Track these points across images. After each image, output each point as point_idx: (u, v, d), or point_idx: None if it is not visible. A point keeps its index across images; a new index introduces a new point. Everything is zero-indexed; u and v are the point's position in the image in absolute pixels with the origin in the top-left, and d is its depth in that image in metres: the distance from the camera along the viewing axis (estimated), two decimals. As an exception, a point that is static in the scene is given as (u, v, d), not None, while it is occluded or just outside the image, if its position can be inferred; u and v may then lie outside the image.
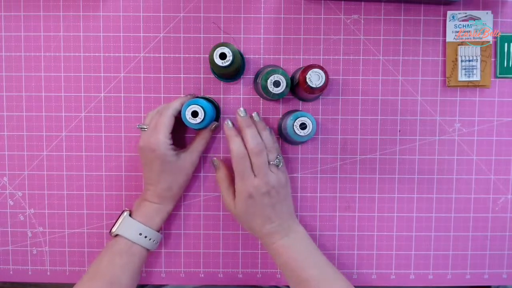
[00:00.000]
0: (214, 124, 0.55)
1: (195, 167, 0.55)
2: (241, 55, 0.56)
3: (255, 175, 0.51)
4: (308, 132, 0.50)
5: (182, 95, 0.56)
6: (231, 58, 0.49)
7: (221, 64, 0.50)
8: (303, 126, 0.50)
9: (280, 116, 0.58)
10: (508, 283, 0.59)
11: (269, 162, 0.51)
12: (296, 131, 0.50)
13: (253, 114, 0.54)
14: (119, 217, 0.54)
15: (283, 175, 0.53)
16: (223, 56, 0.50)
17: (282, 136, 0.57)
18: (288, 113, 0.56)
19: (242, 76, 0.57)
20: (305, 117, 0.50)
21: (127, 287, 0.52)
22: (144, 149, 0.53)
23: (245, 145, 0.51)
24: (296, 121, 0.50)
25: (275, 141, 0.54)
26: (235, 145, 0.51)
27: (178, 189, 0.54)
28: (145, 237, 0.53)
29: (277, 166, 0.52)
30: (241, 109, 0.52)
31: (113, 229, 0.53)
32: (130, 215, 0.54)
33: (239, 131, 0.53)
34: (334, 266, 0.52)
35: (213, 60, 0.50)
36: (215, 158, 0.56)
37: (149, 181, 0.54)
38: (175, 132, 0.54)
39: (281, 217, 0.52)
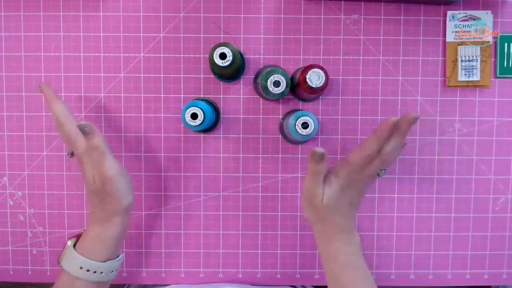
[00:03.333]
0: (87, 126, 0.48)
1: (115, 177, 0.49)
2: (241, 55, 0.56)
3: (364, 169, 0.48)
4: (310, 132, 0.50)
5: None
6: (231, 58, 0.49)
7: (221, 64, 0.50)
8: (305, 125, 0.50)
9: (281, 116, 0.58)
10: (508, 283, 0.59)
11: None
12: (298, 130, 0.50)
13: (411, 117, 0.46)
14: (65, 244, 0.50)
15: (372, 182, 0.51)
16: (223, 56, 0.50)
17: (284, 135, 0.57)
18: (289, 112, 0.56)
19: (242, 76, 0.57)
20: (307, 116, 0.50)
21: None
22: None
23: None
24: (298, 120, 0.50)
25: (397, 157, 0.52)
26: (377, 145, 0.46)
27: (109, 210, 0.49)
28: (87, 270, 0.47)
29: (378, 175, 0.49)
30: (415, 116, 0.46)
31: (59, 259, 0.49)
32: (75, 244, 0.49)
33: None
34: None
35: (213, 60, 0.50)
36: (320, 150, 0.46)
37: (90, 205, 0.51)
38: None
39: (352, 217, 0.50)
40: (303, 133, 0.50)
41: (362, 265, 0.50)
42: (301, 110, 0.55)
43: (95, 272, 0.48)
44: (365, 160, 0.47)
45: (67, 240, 0.49)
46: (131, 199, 0.50)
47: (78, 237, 0.50)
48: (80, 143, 0.49)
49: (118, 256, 0.51)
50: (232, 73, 0.54)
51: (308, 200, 0.49)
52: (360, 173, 0.48)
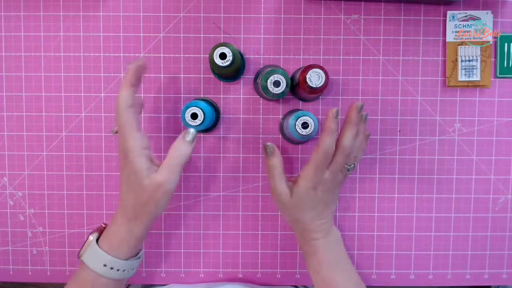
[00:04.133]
0: (191, 132, 0.47)
1: (168, 192, 0.46)
2: (241, 55, 0.56)
3: (327, 168, 0.49)
4: (310, 131, 0.50)
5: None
6: (231, 58, 0.49)
7: (221, 64, 0.50)
8: (305, 125, 0.50)
9: (281, 116, 0.58)
10: (508, 283, 0.59)
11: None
12: (298, 130, 0.50)
13: (363, 114, 0.50)
14: (87, 238, 0.48)
15: (344, 178, 0.52)
16: (223, 56, 0.50)
17: (284, 135, 0.57)
18: (289, 112, 0.56)
19: (242, 76, 0.57)
20: (307, 116, 0.50)
21: None
22: (119, 156, 0.48)
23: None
24: (298, 120, 0.50)
25: (363, 149, 0.53)
26: (330, 140, 0.47)
27: (154, 208, 0.46)
28: (111, 268, 0.46)
29: (348, 170, 0.51)
30: (360, 104, 0.49)
31: (80, 253, 0.47)
32: (98, 238, 0.48)
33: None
34: None
35: (213, 60, 0.50)
36: (269, 143, 0.52)
37: (121, 197, 0.48)
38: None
39: (328, 216, 0.52)
40: (303, 133, 0.50)
41: (341, 258, 0.52)
42: (302, 109, 0.55)
43: (118, 270, 0.46)
44: (325, 157, 0.48)
45: (89, 235, 0.48)
46: (163, 210, 0.48)
47: (99, 231, 0.48)
48: (132, 142, 0.45)
49: (138, 253, 0.49)
50: (232, 73, 0.54)
51: (276, 199, 0.52)
52: (326, 172, 0.49)
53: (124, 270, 0.47)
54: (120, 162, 0.48)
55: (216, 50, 0.50)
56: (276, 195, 0.52)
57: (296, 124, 0.50)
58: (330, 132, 0.48)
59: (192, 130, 0.47)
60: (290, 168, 0.58)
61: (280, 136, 0.58)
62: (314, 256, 0.51)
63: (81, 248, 0.47)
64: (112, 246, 0.46)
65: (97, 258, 0.46)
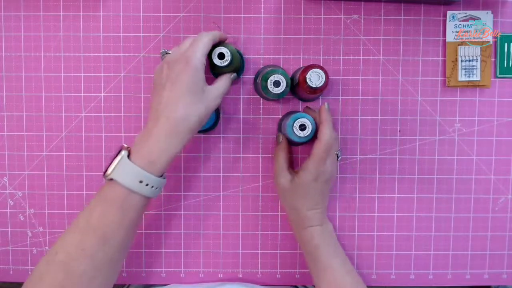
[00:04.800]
0: (233, 74, 0.52)
1: (217, 105, 0.49)
2: (240, 54, 0.56)
3: None
4: (307, 134, 0.50)
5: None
6: (229, 58, 0.50)
7: (219, 64, 0.50)
8: (302, 127, 0.50)
9: (280, 116, 0.58)
10: (508, 283, 0.59)
11: None
12: (296, 132, 0.50)
13: (326, 105, 0.52)
14: (116, 156, 0.45)
15: (337, 168, 0.55)
16: (221, 56, 0.50)
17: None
18: (288, 113, 0.56)
19: (241, 76, 0.57)
20: (304, 118, 0.50)
21: (123, 243, 0.46)
22: (171, 63, 0.47)
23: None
24: (296, 122, 0.50)
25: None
26: (329, 130, 0.50)
27: (194, 122, 0.46)
28: (147, 185, 0.45)
29: (337, 157, 0.54)
30: (327, 104, 0.52)
31: (108, 171, 0.44)
32: (129, 155, 0.45)
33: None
34: None
35: (212, 60, 0.50)
36: (280, 134, 0.56)
37: (164, 106, 0.46)
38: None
39: (324, 206, 0.54)
40: (300, 135, 0.50)
41: (337, 245, 0.54)
42: (299, 111, 0.55)
43: (153, 187, 0.45)
44: (327, 148, 0.50)
45: (116, 154, 0.45)
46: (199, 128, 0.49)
47: (125, 149, 0.46)
48: (202, 56, 0.47)
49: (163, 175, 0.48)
50: (231, 73, 0.53)
51: (277, 185, 0.54)
52: (326, 163, 0.51)
53: (156, 188, 0.46)
54: (163, 76, 0.47)
55: (214, 50, 0.50)
56: (277, 182, 0.54)
57: (294, 126, 0.50)
58: (327, 123, 0.50)
59: (235, 74, 0.53)
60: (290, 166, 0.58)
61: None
62: (311, 242, 0.53)
63: (107, 168, 0.45)
64: (151, 161, 0.45)
65: (132, 174, 0.44)
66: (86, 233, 0.44)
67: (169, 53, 0.49)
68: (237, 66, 0.53)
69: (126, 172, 0.44)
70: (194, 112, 0.46)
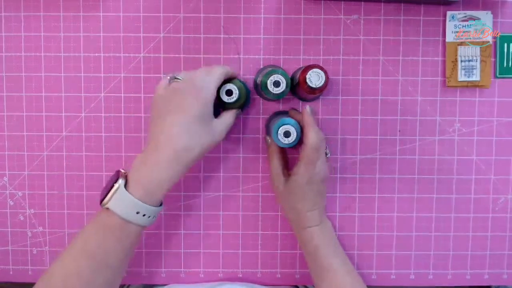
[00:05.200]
0: (238, 110, 0.53)
1: (222, 139, 0.50)
2: (247, 89, 0.54)
3: None
4: (292, 140, 0.51)
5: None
6: (236, 95, 0.51)
7: (226, 101, 0.51)
8: (286, 134, 0.51)
9: (267, 116, 0.58)
10: (508, 283, 0.59)
11: None
12: (280, 139, 0.51)
13: (308, 109, 0.52)
14: (112, 184, 0.44)
15: (330, 166, 0.56)
16: (229, 92, 0.51)
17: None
18: (274, 115, 0.56)
19: (247, 107, 0.57)
20: (289, 124, 0.50)
21: (120, 267, 0.46)
22: (181, 91, 0.46)
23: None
24: (280, 129, 0.51)
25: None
26: (315, 133, 0.49)
27: (198, 155, 0.46)
28: (143, 215, 0.44)
29: (327, 155, 0.54)
30: (308, 108, 0.51)
31: (105, 200, 0.44)
32: (125, 184, 0.45)
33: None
34: None
35: (219, 95, 0.50)
36: (268, 137, 0.55)
37: (168, 136, 0.45)
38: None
39: (322, 205, 0.54)
40: (285, 142, 0.51)
41: (336, 244, 0.54)
42: (284, 117, 0.54)
43: (149, 216, 0.45)
44: (314, 151, 0.50)
45: (112, 182, 0.45)
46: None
47: (123, 176, 0.45)
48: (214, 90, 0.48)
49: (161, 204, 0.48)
50: (238, 107, 0.53)
51: (273, 187, 0.55)
52: (316, 166, 0.51)
53: (153, 217, 0.46)
54: (172, 102, 0.46)
55: (223, 87, 0.50)
56: (273, 185, 0.55)
57: (278, 133, 0.50)
58: (312, 126, 0.50)
59: (240, 110, 0.53)
60: (290, 168, 0.58)
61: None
62: (310, 242, 0.53)
63: (105, 196, 0.44)
64: (148, 192, 0.44)
65: (129, 205, 0.44)
66: (83, 258, 0.45)
67: (178, 79, 0.48)
68: (244, 102, 0.53)
69: (123, 202, 0.44)
70: (199, 144, 0.46)
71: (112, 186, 0.44)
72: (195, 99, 0.46)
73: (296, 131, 0.51)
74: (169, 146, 0.45)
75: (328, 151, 0.54)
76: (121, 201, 0.44)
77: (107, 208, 0.44)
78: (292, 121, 0.51)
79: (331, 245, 0.54)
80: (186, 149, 0.45)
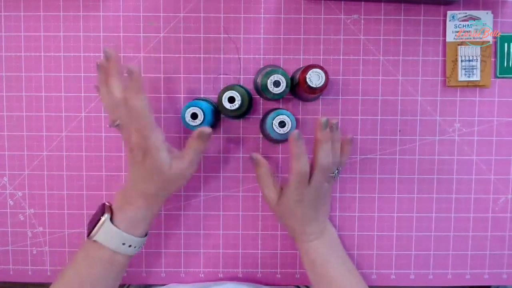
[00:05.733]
0: (207, 131, 0.49)
1: (188, 178, 0.50)
2: (249, 95, 0.54)
3: (309, 183, 0.50)
4: (287, 130, 0.51)
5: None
6: (239, 102, 0.51)
7: (229, 108, 0.51)
8: (282, 124, 0.51)
9: (261, 116, 0.58)
10: (508, 283, 0.59)
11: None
12: (275, 129, 0.51)
13: (334, 123, 0.51)
14: (98, 219, 0.48)
15: (331, 184, 0.54)
16: (231, 99, 0.51)
17: (264, 135, 0.57)
18: (269, 111, 0.56)
19: (249, 114, 0.57)
20: (284, 115, 0.51)
21: None
22: (132, 148, 0.47)
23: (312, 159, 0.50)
24: (275, 119, 0.51)
25: (346, 154, 0.54)
26: (301, 164, 0.49)
27: (170, 193, 0.51)
28: (129, 246, 0.48)
29: (333, 177, 0.53)
30: (324, 120, 0.49)
31: (92, 233, 0.47)
32: (111, 218, 0.48)
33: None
34: None
35: (222, 103, 0.50)
36: (254, 154, 0.54)
37: (139, 183, 0.48)
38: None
39: (320, 219, 0.53)
40: (280, 132, 0.51)
41: (334, 257, 0.53)
42: (280, 108, 0.55)
43: (135, 247, 0.49)
44: (302, 178, 0.49)
45: (99, 216, 0.48)
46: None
47: (107, 210, 0.48)
48: (154, 140, 0.46)
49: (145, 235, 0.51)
50: (240, 114, 0.54)
51: (269, 205, 0.54)
52: (307, 187, 0.50)
53: (139, 247, 0.50)
54: (134, 157, 0.47)
55: (225, 94, 0.50)
56: (268, 202, 0.54)
57: (273, 123, 0.51)
58: (297, 157, 0.48)
59: (207, 130, 0.49)
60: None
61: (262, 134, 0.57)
62: (307, 256, 0.53)
63: (91, 229, 0.47)
64: (132, 225, 0.48)
65: (116, 237, 0.47)
66: (74, 286, 0.48)
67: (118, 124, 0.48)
68: (247, 108, 0.53)
69: (110, 235, 0.47)
70: (166, 189, 0.49)
71: (98, 220, 0.48)
72: (142, 159, 0.47)
73: (291, 122, 0.51)
74: (142, 192, 0.48)
75: (336, 174, 0.52)
76: (107, 234, 0.47)
77: (95, 241, 0.47)
78: (287, 112, 0.51)
79: (333, 257, 0.53)
80: (156, 195, 0.49)
